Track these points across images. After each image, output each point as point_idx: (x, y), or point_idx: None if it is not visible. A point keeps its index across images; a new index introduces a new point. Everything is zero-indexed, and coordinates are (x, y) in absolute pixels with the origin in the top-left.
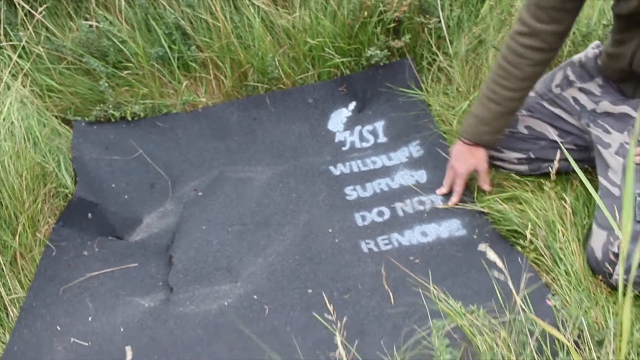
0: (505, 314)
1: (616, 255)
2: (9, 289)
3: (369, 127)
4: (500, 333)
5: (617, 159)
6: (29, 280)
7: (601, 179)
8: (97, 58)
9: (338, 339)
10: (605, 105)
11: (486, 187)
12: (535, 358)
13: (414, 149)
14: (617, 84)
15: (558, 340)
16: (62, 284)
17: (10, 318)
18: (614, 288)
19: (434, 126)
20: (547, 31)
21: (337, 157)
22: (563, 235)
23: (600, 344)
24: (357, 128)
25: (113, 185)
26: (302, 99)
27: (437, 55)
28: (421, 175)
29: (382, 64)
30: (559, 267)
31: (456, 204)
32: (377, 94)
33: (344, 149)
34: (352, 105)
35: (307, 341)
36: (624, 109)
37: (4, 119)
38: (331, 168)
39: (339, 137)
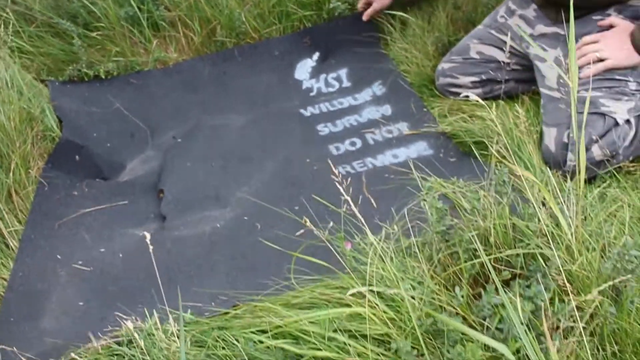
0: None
1: (566, 144)
2: (8, 223)
3: (333, 75)
4: (480, 192)
5: (553, 70)
6: (25, 216)
7: (542, 89)
8: (67, 20)
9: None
10: (540, 28)
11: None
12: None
13: (377, 89)
14: (541, 10)
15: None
16: (57, 219)
17: (10, 248)
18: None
19: (394, 66)
20: None
21: (306, 102)
22: (520, 139)
23: None
24: (322, 76)
25: (95, 134)
26: (269, 51)
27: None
28: (386, 109)
29: (343, 16)
30: (520, 166)
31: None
32: (339, 44)
33: (311, 94)
34: (316, 55)
35: None
36: (555, 29)
37: None
38: (302, 111)
39: (305, 85)
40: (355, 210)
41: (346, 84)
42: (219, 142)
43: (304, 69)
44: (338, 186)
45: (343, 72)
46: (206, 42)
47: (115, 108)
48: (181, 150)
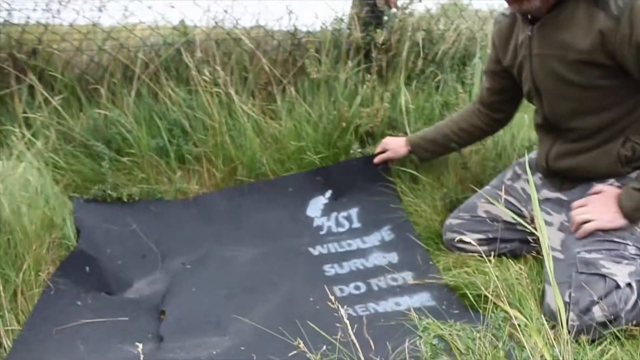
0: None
1: (567, 303)
2: (7, 322)
3: (344, 214)
4: (476, 334)
5: (558, 233)
6: (25, 318)
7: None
8: (102, 143)
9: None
10: (545, 193)
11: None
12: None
13: (386, 234)
14: (546, 179)
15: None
16: (55, 325)
17: (3, 347)
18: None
19: (404, 214)
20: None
21: (316, 240)
22: (522, 294)
23: None
24: (334, 214)
25: (108, 250)
26: (283, 188)
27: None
28: (393, 257)
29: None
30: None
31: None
32: (352, 184)
33: (321, 232)
34: (329, 193)
35: None
36: (558, 195)
37: (19, 175)
38: (310, 249)
39: (316, 222)
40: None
41: (356, 224)
42: (226, 272)
43: (316, 206)
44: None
45: (354, 212)
46: (227, 178)
47: (132, 229)
48: (188, 276)
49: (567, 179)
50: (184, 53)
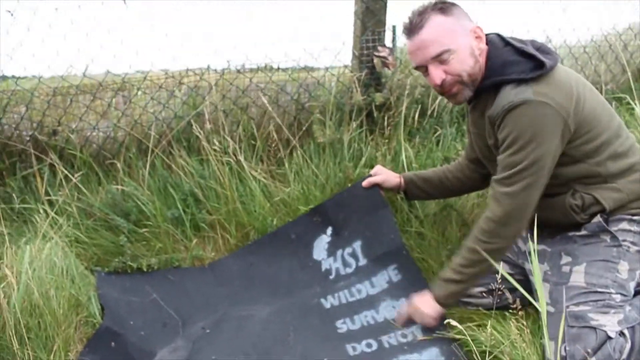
0: None
1: (564, 357)
2: None
3: (349, 250)
4: None
5: (544, 285)
6: None
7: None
8: (120, 216)
9: None
10: (531, 245)
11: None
12: None
13: (393, 273)
14: (532, 230)
15: None
16: None
17: None
18: None
19: (402, 241)
20: None
21: (326, 289)
22: (524, 350)
23: None
24: (339, 252)
25: (131, 322)
26: (286, 236)
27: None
28: (402, 307)
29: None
30: None
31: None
32: (349, 215)
33: (330, 277)
34: (330, 230)
35: None
36: (542, 247)
37: (45, 257)
38: (322, 300)
39: (324, 266)
40: None
41: (362, 261)
42: (243, 334)
43: (320, 247)
44: None
45: (357, 246)
46: (240, 243)
47: (152, 299)
48: (207, 343)
49: (545, 228)
50: (194, 125)
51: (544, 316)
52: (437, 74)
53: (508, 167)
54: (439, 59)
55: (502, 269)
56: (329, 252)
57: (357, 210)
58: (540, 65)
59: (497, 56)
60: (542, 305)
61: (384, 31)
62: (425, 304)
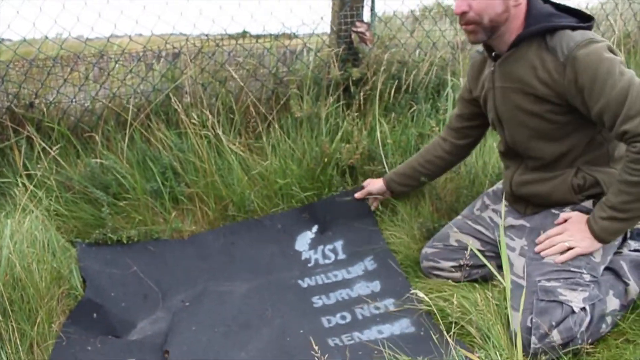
0: None
1: (530, 328)
2: None
3: (330, 246)
4: None
5: (520, 258)
6: None
7: (511, 276)
8: (100, 189)
9: None
10: (509, 220)
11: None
12: None
13: (369, 263)
14: (512, 205)
15: None
16: None
17: None
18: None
19: (384, 244)
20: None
21: (304, 272)
22: (490, 320)
23: None
24: (320, 247)
25: (112, 294)
26: (273, 225)
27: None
28: (375, 286)
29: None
30: (489, 345)
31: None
32: (336, 218)
33: (309, 265)
34: (315, 228)
35: None
36: (522, 222)
37: (25, 231)
38: (299, 282)
39: (304, 255)
40: None
41: (341, 256)
42: (223, 308)
43: (303, 241)
44: None
45: (339, 244)
46: (219, 216)
47: (132, 271)
48: (188, 315)
49: (529, 204)
50: (172, 98)
51: (507, 289)
52: (461, 3)
53: (621, 98)
54: None
55: (472, 245)
56: (311, 246)
57: (344, 214)
58: (587, 18)
59: (541, 8)
60: (507, 278)
61: (362, 7)
62: (585, 239)
